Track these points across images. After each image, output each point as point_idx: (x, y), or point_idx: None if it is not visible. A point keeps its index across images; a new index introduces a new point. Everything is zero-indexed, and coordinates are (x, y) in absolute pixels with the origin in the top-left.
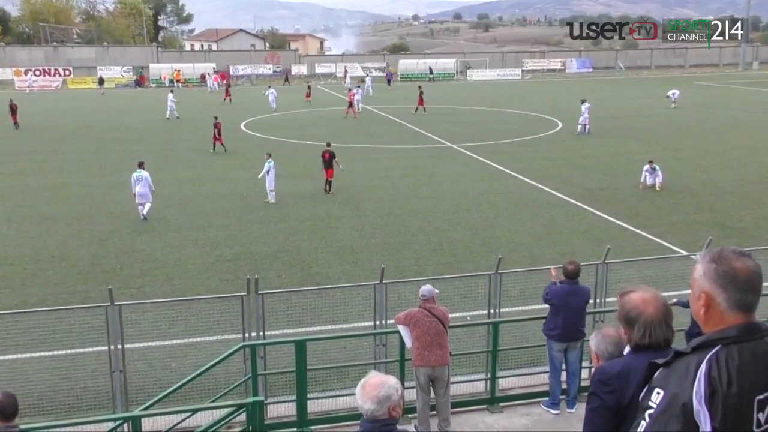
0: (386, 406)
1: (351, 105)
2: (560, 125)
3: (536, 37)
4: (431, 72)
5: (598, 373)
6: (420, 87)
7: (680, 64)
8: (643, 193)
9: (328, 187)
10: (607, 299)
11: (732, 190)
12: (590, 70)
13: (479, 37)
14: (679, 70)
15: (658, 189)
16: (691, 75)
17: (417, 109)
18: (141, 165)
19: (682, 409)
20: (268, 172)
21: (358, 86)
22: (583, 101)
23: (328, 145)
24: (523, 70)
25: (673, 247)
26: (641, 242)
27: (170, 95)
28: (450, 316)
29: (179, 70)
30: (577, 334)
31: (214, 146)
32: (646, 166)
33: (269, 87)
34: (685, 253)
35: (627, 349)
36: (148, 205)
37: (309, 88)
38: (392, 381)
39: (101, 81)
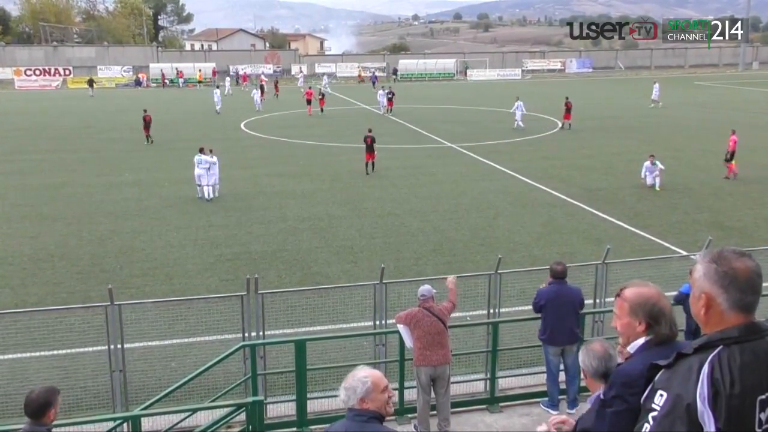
0: (353, 397)
1: (309, 103)
2: (559, 125)
3: (536, 37)
4: (395, 72)
5: (621, 375)
6: (391, 89)
7: (680, 64)
8: (643, 193)
9: (371, 168)
10: (607, 299)
11: (731, 190)
12: (590, 70)
13: (479, 37)
14: (678, 70)
15: (658, 189)
16: (691, 75)
17: (389, 110)
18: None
19: (687, 410)
20: (209, 168)
21: (383, 87)
22: (517, 98)
23: (370, 131)
24: (523, 70)
25: (673, 247)
26: (641, 242)
27: (216, 91)
28: (452, 298)
29: (201, 70)
30: (571, 337)
31: (147, 138)
32: (647, 163)
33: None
34: (684, 253)
35: (638, 345)
36: (207, 188)
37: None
38: (362, 374)
39: (91, 83)
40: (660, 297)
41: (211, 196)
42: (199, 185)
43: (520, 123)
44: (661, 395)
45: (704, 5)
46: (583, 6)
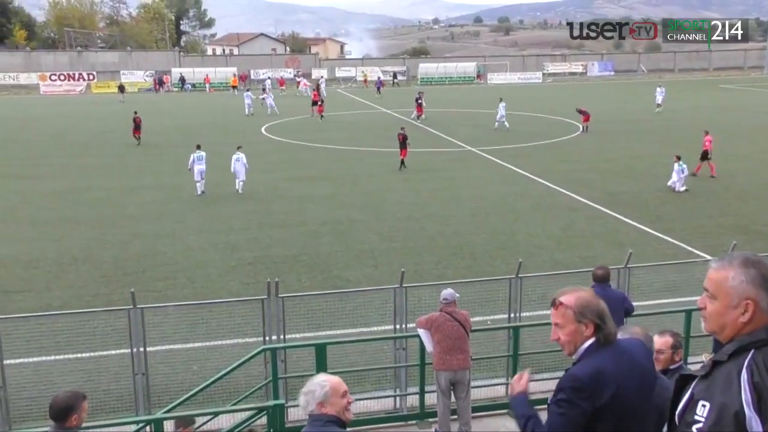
0: (312, 402)
1: (314, 104)
2: (581, 128)
3: (557, 40)
4: (395, 77)
5: (570, 380)
6: (420, 94)
7: (704, 67)
8: (666, 197)
9: (402, 165)
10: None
11: (757, 194)
12: (612, 73)
13: (500, 41)
14: (702, 72)
15: (682, 190)
16: (716, 78)
17: (419, 116)
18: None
19: (735, 418)
20: (237, 160)
21: (421, 92)
22: (500, 100)
23: (402, 129)
24: (543, 74)
25: (697, 252)
26: (664, 246)
27: (248, 93)
28: (470, 320)
29: (235, 76)
30: None
31: (137, 139)
32: (677, 167)
33: (264, 91)
34: (708, 257)
35: (584, 349)
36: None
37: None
38: (321, 378)
39: (122, 88)
40: (598, 297)
41: (240, 191)
42: (198, 181)
43: (506, 123)
44: (704, 405)
45: (728, 7)
46: (605, 9)
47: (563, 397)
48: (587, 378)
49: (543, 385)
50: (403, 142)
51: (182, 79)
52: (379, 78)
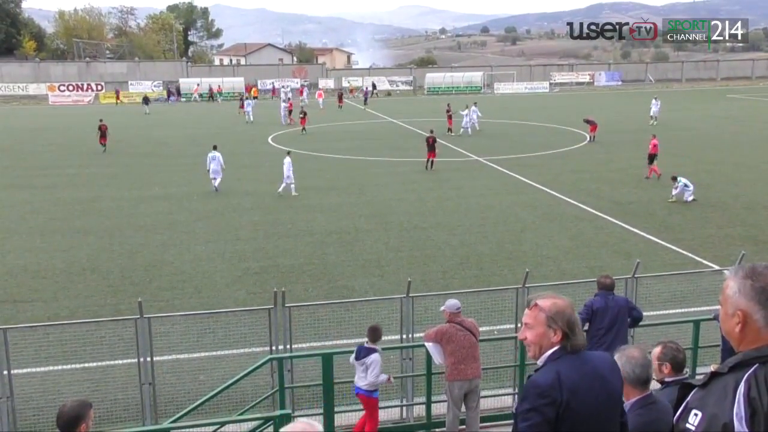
0: None
1: (290, 113)
2: (588, 138)
3: (564, 50)
4: (374, 87)
5: (535, 386)
6: (449, 105)
7: (712, 76)
8: (674, 207)
9: (429, 165)
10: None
11: (765, 203)
12: (619, 83)
13: (507, 50)
14: (710, 82)
15: (673, 200)
16: (723, 88)
17: (450, 129)
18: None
19: (723, 429)
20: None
21: (475, 103)
22: (474, 104)
23: (431, 132)
24: (550, 83)
25: (705, 262)
26: (672, 256)
27: (251, 101)
28: (478, 327)
29: (256, 86)
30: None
31: (102, 146)
32: (677, 183)
33: (248, 100)
34: (716, 267)
35: (547, 356)
36: (218, 179)
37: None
38: (319, 427)
39: (146, 100)
40: (573, 308)
41: (287, 191)
42: (213, 178)
43: (468, 130)
44: (696, 414)
45: (739, 18)
46: (613, 19)
47: (527, 407)
48: (548, 384)
49: None
50: (432, 144)
51: (169, 92)
52: (366, 88)
